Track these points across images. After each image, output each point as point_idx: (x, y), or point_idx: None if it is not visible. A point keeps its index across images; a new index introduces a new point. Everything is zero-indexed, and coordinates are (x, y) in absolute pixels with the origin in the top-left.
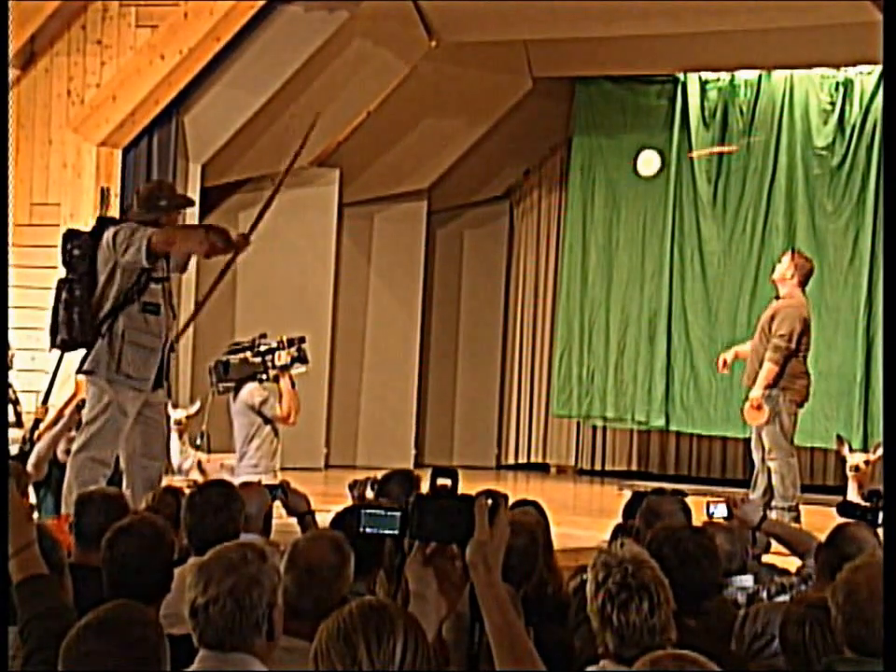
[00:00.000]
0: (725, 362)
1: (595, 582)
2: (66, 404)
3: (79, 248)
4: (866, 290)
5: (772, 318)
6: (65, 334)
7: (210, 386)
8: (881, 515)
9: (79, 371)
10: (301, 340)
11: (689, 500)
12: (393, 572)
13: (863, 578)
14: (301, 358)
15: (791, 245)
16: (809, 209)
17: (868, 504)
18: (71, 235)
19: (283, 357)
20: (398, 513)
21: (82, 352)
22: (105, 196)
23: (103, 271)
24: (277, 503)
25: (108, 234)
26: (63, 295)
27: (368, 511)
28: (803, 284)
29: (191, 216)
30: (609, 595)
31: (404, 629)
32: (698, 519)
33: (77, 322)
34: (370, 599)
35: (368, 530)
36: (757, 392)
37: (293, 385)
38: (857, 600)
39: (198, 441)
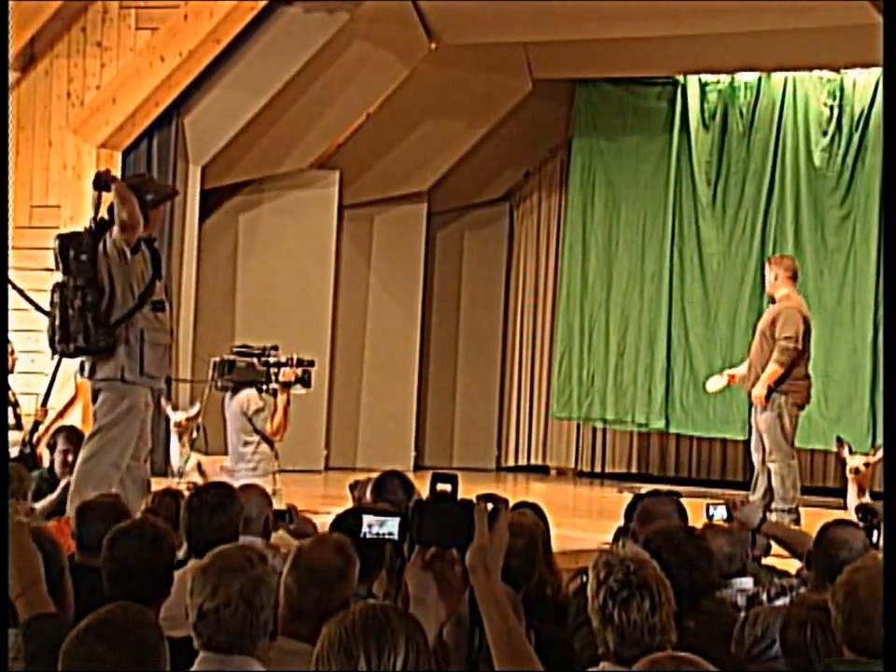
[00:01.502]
0: (732, 379)
1: (596, 581)
2: (66, 406)
3: (85, 253)
4: (867, 291)
5: (773, 322)
6: (83, 342)
7: (210, 380)
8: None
9: (93, 377)
10: (310, 363)
11: (687, 502)
12: (393, 576)
13: (863, 579)
14: (305, 381)
15: (791, 246)
16: (809, 211)
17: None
18: (71, 239)
19: (287, 374)
20: (398, 518)
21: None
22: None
23: (107, 274)
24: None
25: (112, 242)
26: (77, 303)
27: (368, 515)
28: (794, 280)
29: (191, 217)
30: (611, 592)
31: (406, 635)
32: (694, 519)
33: (93, 328)
34: (372, 604)
35: (368, 535)
36: (759, 391)
37: (288, 403)
38: (857, 601)
39: (194, 434)
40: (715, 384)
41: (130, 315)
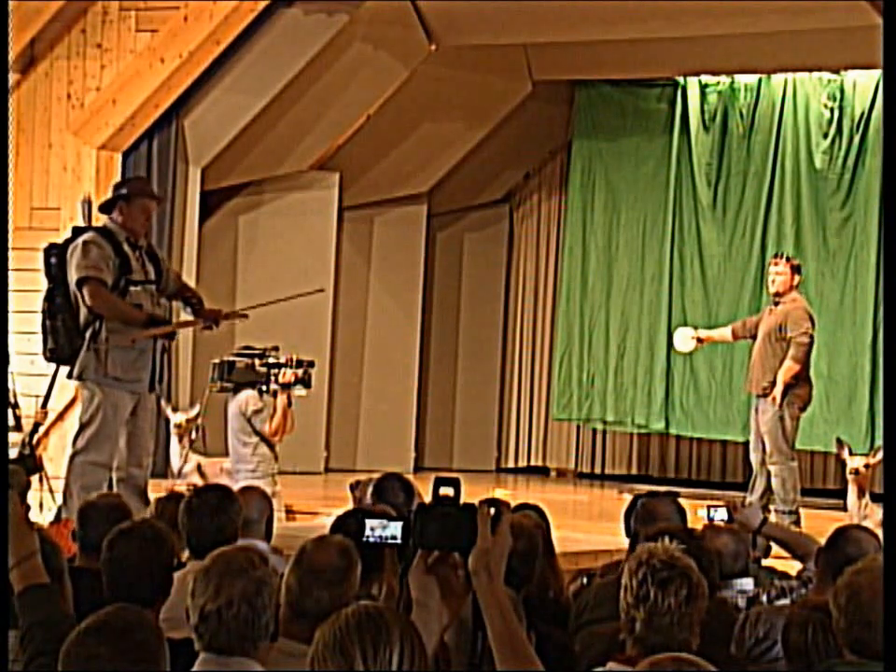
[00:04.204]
0: (701, 342)
1: (636, 562)
2: (66, 408)
3: (56, 257)
4: (868, 293)
5: (781, 323)
6: (52, 343)
7: (210, 381)
8: None
9: (69, 376)
10: (311, 364)
11: (687, 503)
12: (395, 580)
13: (865, 580)
14: (305, 382)
15: (792, 248)
16: (809, 212)
17: None
18: (50, 248)
19: (287, 375)
20: (401, 521)
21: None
22: (84, 207)
23: (72, 280)
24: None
25: (70, 248)
26: (45, 304)
27: (370, 519)
28: (798, 285)
29: (191, 219)
30: (653, 570)
31: (400, 636)
32: (693, 520)
33: (61, 329)
34: (366, 605)
35: (371, 538)
36: (779, 389)
37: (290, 404)
38: (859, 603)
39: (193, 435)
40: (684, 343)
41: (94, 319)
